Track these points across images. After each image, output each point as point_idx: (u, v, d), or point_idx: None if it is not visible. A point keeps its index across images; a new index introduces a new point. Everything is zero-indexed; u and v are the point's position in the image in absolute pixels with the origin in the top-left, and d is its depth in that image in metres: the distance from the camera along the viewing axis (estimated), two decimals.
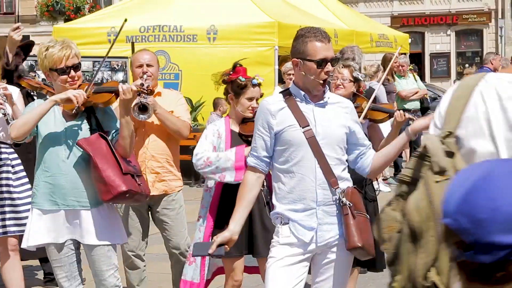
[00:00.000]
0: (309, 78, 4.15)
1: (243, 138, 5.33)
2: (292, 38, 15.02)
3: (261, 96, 5.46)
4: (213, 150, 5.20)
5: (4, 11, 39.71)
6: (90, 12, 22.20)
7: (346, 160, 4.29)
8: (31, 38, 38.84)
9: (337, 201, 4.13)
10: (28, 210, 5.27)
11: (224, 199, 5.22)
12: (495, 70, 12.65)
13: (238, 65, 5.33)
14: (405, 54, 16.74)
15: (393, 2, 35.37)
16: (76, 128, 4.73)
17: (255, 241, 5.21)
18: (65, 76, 4.63)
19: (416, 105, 13.75)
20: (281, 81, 13.17)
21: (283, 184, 4.19)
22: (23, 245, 4.88)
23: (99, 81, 12.46)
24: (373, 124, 5.90)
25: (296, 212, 4.16)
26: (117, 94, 4.72)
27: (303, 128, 4.14)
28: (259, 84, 5.33)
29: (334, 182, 4.13)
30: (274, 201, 4.25)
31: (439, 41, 35.17)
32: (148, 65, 6.06)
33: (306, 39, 4.16)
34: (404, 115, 5.47)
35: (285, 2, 16.51)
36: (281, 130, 4.17)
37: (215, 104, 13.55)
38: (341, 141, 4.22)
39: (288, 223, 4.17)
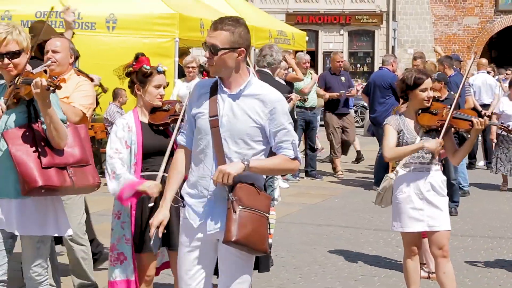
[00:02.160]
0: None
1: (154, 128, 5.30)
2: (193, 31, 15.10)
3: (167, 85, 5.47)
4: (126, 146, 5.16)
5: None
6: None
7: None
8: None
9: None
10: None
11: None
12: (394, 71, 12.99)
13: (140, 55, 5.35)
14: (302, 51, 16.91)
15: None
16: (13, 117, 4.59)
17: (173, 234, 5.16)
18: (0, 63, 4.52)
19: (314, 102, 14.01)
20: (181, 74, 13.11)
21: (190, 167, 4.30)
22: None
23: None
24: None
25: (191, 197, 4.27)
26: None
27: (210, 117, 4.17)
28: (164, 72, 5.34)
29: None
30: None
31: (333, 40, 35.71)
32: (54, 51, 5.98)
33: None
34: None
35: None
36: (195, 115, 4.25)
37: (115, 95, 13.34)
38: (246, 135, 4.17)
39: (185, 205, 4.31)
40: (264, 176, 4.37)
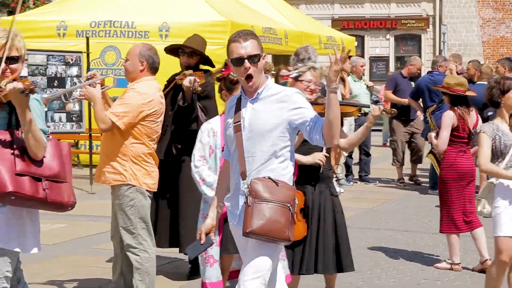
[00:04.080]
0: (237, 77, 4.49)
1: None
2: None
3: None
4: (210, 151, 5.26)
5: None
6: (35, 6, 21.80)
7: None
8: None
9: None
10: None
11: None
12: (444, 73, 12.90)
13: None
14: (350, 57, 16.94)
15: (334, 5, 35.70)
16: None
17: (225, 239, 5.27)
18: None
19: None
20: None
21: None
22: None
23: (53, 76, 12.31)
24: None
25: (228, 200, 4.58)
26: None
27: (234, 123, 4.44)
28: None
29: (243, 173, 4.40)
30: None
31: (379, 45, 35.63)
32: (126, 59, 6.26)
33: (229, 41, 4.41)
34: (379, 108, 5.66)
35: (237, 1, 16.54)
36: (226, 125, 4.55)
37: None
38: (267, 132, 4.38)
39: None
40: (291, 172, 4.50)
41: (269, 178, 4.37)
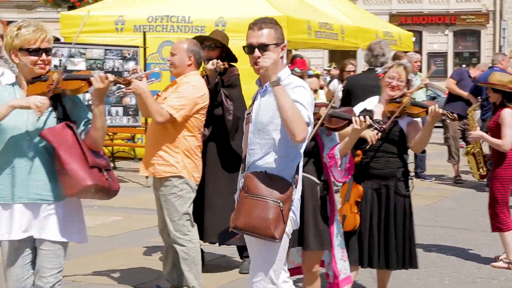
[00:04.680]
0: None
1: None
2: (300, 33, 15.18)
3: (322, 88, 5.53)
4: None
5: None
6: (94, 1, 22.07)
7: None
8: None
9: None
10: None
11: None
12: (504, 70, 12.66)
13: (295, 57, 5.40)
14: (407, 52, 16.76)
15: (391, 0, 35.40)
16: (43, 117, 4.38)
17: (306, 234, 5.23)
18: (36, 58, 4.34)
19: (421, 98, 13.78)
20: None
21: None
22: None
23: (110, 70, 12.44)
24: (413, 121, 5.92)
25: (236, 194, 4.50)
26: (89, 82, 4.44)
27: (246, 115, 4.45)
28: (316, 75, 5.34)
29: (243, 168, 4.39)
30: None
31: (437, 41, 35.25)
32: (172, 54, 6.27)
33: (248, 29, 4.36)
34: (438, 111, 5.57)
35: None
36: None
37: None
38: (268, 126, 4.33)
39: None
40: (293, 166, 4.38)
41: (265, 172, 4.30)
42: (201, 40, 7.03)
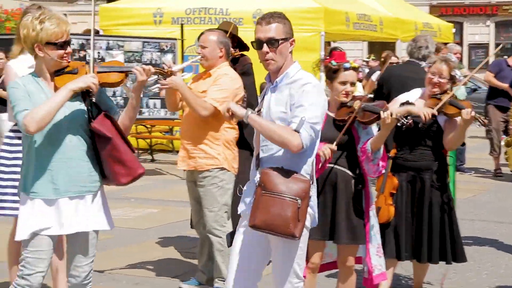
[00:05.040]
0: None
1: (336, 122, 5.29)
2: (338, 24, 15.01)
3: (360, 81, 5.47)
4: None
5: None
6: None
7: None
8: (68, 17, 38.76)
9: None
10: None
11: None
12: None
13: (334, 49, 5.34)
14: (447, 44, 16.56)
15: None
16: (74, 108, 4.39)
17: (338, 228, 5.20)
18: (62, 51, 4.33)
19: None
20: None
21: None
22: (21, 238, 4.39)
23: (148, 63, 12.49)
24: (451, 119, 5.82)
25: (246, 186, 4.44)
26: (126, 75, 4.50)
27: (257, 110, 4.34)
28: (353, 68, 5.27)
29: (258, 164, 4.32)
30: None
31: (478, 32, 34.85)
32: (202, 47, 6.21)
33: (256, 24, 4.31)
34: (470, 116, 5.46)
35: None
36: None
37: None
38: (278, 120, 4.25)
39: None
40: (309, 162, 4.31)
41: (282, 168, 4.22)
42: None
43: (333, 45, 16.85)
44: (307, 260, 5.28)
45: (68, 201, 4.37)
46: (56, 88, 4.36)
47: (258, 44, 4.23)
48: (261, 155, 4.31)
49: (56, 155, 4.34)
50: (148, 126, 15.02)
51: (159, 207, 10.12)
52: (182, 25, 13.46)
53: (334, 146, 5.11)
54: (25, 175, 4.39)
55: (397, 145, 5.87)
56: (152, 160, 14.89)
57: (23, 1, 21.25)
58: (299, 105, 4.18)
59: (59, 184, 4.35)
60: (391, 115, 5.09)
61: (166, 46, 12.65)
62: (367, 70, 15.63)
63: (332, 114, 5.31)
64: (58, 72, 4.39)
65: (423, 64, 6.09)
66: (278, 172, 4.18)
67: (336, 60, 5.28)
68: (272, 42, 4.20)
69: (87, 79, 4.29)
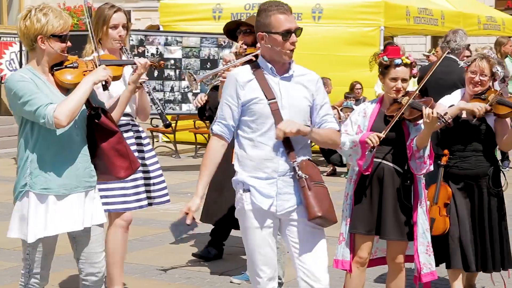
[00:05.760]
0: (275, 50, 4.26)
1: (387, 118, 5.23)
2: (398, 19, 14.82)
3: (415, 77, 5.40)
4: (358, 130, 5.18)
5: None
6: None
7: None
8: (133, 14, 38.94)
9: (294, 173, 4.26)
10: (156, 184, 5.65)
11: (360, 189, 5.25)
12: None
13: (388, 44, 5.28)
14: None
15: None
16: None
17: (384, 222, 5.15)
18: (64, 44, 4.29)
19: None
20: None
21: (245, 152, 4.32)
22: (33, 239, 4.29)
23: (205, 58, 12.56)
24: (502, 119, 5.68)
25: (258, 179, 4.30)
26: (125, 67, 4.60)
27: (269, 100, 4.25)
28: (405, 64, 5.17)
29: (292, 155, 4.27)
30: (236, 167, 4.37)
31: None
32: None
33: (269, 13, 4.23)
34: None
35: None
36: (248, 101, 4.28)
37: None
38: (304, 114, 4.35)
39: (249, 191, 4.31)
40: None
41: (309, 159, 4.35)
42: (236, 24, 6.89)
43: (395, 40, 16.68)
44: (355, 254, 5.25)
45: (77, 196, 4.35)
46: (56, 82, 4.33)
47: (286, 34, 4.20)
48: (295, 145, 4.29)
49: (64, 151, 4.31)
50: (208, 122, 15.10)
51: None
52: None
53: (382, 134, 5.06)
54: (32, 172, 4.27)
55: (448, 152, 5.73)
56: None
57: None
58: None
59: (69, 180, 4.31)
60: (432, 113, 5.00)
61: (224, 42, 12.70)
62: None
63: (384, 110, 5.25)
64: (56, 66, 4.35)
65: (461, 63, 5.96)
66: (312, 162, 4.33)
67: (389, 56, 5.20)
68: (298, 32, 4.27)
69: (106, 72, 4.32)
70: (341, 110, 12.34)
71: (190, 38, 12.60)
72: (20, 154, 4.34)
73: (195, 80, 6.28)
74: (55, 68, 4.34)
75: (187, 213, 4.26)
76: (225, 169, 5.68)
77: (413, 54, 5.32)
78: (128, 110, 5.54)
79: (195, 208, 4.28)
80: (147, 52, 12.21)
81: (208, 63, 12.51)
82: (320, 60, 14.01)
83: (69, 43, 4.33)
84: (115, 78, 4.53)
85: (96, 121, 4.35)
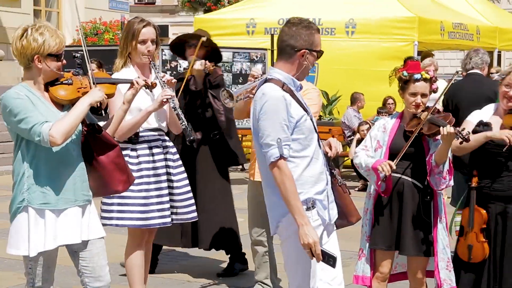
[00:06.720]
0: (308, 68, 4.31)
1: (406, 133, 5.19)
2: (432, 34, 14.71)
3: (435, 92, 5.30)
4: (378, 146, 5.17)
5: (146, 1, 40.87)
6: (229, 4, 22.47)
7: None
8: (170, 29, 39.33)
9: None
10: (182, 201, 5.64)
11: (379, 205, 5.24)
12: None
13: (408, 59, 5.24)
14: None
15: None
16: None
17: (403, 238, 5.12)
18: (60, 63, 4.36)
19: None
20: None
21: (302, 171, 4.24)
22: (34, 254, 4.32)
23: (237, 73, 12.60)
24: None
25: (318, 194, 4.30)
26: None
27: (309, 115, 4.30)
28: (425, 79, 5.13)
29: (329, 168, 4.40)
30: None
31: None
32: None
33: (313, 31, 4.28)
34: None
35: None
36: (299, 119, 4.24)
37: (353, 99, 13.44)
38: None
39: (313, 207, 4.26)
40: None
41: None
42: (185, 38, 6.90)
43: (421, 55, 16.57)
44: (375, 270, 5.23)
45: (75, 210, 4.38)
46: (51, 98, 4.39)
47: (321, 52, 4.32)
48: (328, 160, 4.41)
49: (61, 166, 4.35)
50: (239, 135, 15.12)
51: (245, 216, 10.15)
52: (272, 35, 13.52)
53: (394, 164, 5.02)
54: (30, 188, 4.30)
55: (478, 173, 5.37)
56: (242, 169, 14.98)
57: (124, 12, 21.79)
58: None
59: (67, 194, 4.35)
60: (450, 129, 4.92)
61: (256, 56, 12.75)
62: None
63: (403, 125, 5.23)
64: (51, 82, 4.41)
65: (495, 76, 5.86)
66: None
67: (409, 71, 5.18)
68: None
69: (101, 93, 4.38)
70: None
71: (222, 53, 12.63)
72: (16, 169, 4.38)
73: (230, 96, 6.31)
74: (49, 85, 4.39)
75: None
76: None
77: (450, 69, 5.19)
78: (157, 125, 5.58)
79: (317, 238, 4.17)
80: (180, 66, 12.29)
81: (240, 78, 12.56)
82: (353, 75, 14.01)
83: (64, 61, 4.38)
84: (108, 96, 4.57)
85: (97, 135, 4.41)
